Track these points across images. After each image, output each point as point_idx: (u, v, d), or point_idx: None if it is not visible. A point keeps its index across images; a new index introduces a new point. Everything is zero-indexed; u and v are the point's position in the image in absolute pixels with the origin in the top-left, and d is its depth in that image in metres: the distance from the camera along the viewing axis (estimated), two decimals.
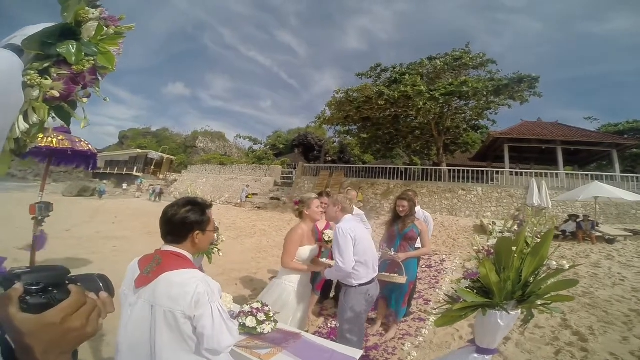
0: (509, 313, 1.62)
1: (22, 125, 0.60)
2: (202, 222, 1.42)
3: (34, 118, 0.62)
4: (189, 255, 1.39)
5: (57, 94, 0.62)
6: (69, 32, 0.65)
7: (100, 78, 0.77)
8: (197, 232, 1.41)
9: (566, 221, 10.50)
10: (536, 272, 1.60)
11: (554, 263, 1.56)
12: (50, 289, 0.49)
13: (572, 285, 1.63)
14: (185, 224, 1.38)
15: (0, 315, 0.45)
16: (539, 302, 1.63)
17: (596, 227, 9.96)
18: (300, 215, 2.77)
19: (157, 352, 1.26)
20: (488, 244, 1.63)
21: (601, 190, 10.48)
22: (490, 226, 1.75)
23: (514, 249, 1.50)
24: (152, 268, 1.33)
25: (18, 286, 0.47)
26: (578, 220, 10.21)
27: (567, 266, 1.56)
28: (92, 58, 0.67)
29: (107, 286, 0.59)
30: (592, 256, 7.71)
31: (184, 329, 1.26)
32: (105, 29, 0.72)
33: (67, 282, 0.53)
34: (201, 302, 1.24)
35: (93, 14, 0.66)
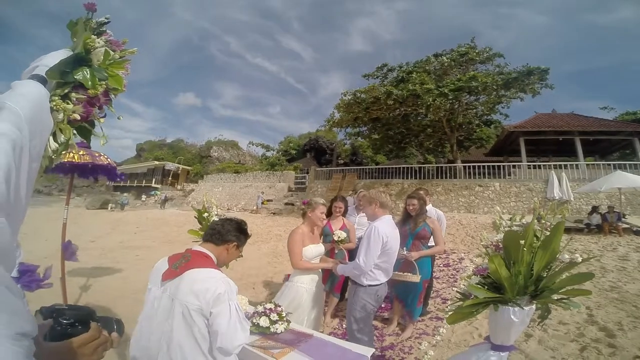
0: (522, 308, 1.59)
1: (53, 145, 0.72)
2: (242, 240, 1.72)
3: (62, 138, 0.74)
4: (214, 258, 1.56)
5: (78, 117, 0.74)
6: (82, 60, 0.75)
7: (113, 97, 0.86)
8: (234, 243, 1.66)
9: (590, 213, 10.16)
10: (549, 266, 1.57)
11: (567, 256, 1.53)
12: (76, 324, 0.67)
13: (588, 278, 1.59)
14: (232, 234, 1.66)
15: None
16: (554, 297, 1.61)
17: (623, 219, 9.61)
18: (303, 215, 2.85)
19: (172, 347, 1.33)
20: (496, 238, 1.62)
21: (625, 180, 10.08)
22: (498, 221, 1.73)
23: (522, 242, 1.48)
24: (180, 264, 1.45)
25: (49, 321, 0.65)
26: (603, 212, 9.87)
27: (579, 259, 1.53)
28: (104, 82, 0.77)
29: (119, 328, 0.78)
30: (619, 249, 7.42)
31: (197, 326, 1.32)
32: (112, 53, 0.81)
33: (91, 320, 0.70)
34: (220, 299, 1.33)
35: (99, 43, 0.76)
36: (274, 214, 17.82)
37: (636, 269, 5.74)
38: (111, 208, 23.73)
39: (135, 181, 35.99)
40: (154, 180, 34.26)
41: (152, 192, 30.19)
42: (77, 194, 33.43)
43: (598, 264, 6.14)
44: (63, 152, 0.75)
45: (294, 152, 36.53)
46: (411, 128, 19.17)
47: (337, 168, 22.02)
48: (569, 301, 1.61)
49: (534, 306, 1.64)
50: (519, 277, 1.52)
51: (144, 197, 29.68)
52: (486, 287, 1.59)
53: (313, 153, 33.73)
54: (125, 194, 29.99)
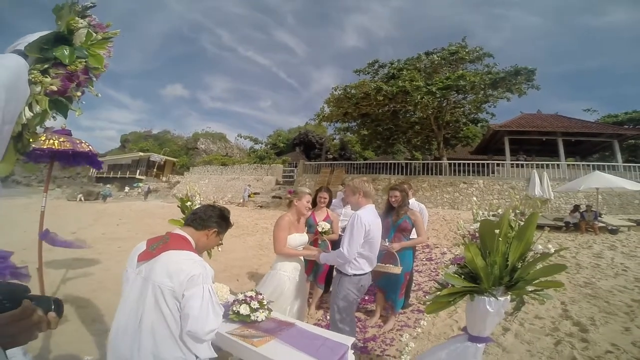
0: (497, 299, 1.64)
1: (28, 114, 0.75)
2: (223, 227, 1.72)
3: (37, 108, 0.77)
4: (193, 243, 1.54)
5: (55, 88, 0.77)
6: (62, 38, 0.77)
7: (94, 78, 0.89)
8: (215, 230, 1.65)
9: (572, 212, 10.43)
10: (523, 257, 1.62)
11: (540, 247, 1.58)
12: (4, 301, 0.61)
13: (560, 270, 1.64)
14: (213, 220, 1.66)
15: None
16: (528, 289, 1.65)
17: (599, 218, 9.89)
18: (289, 204, 2.88)
19: (142, 330, 1.30)
20: (473, 227, 1.66)
21: (602, 180, 10.42)
22: (475, 211, 1.78)
23: (497, 231, 1.52)
24: (158, 245, 1.42)
25: None
26: (581, 210, 10.17)
27: (552, 250, 1.58)
28: (84, 60, 0.79)
29: (58, 309, 0.71)
30: (594, 247, 7.60)
31: (169, 308, 1.30)
32: (95, 34, 0.83)
33: (24, 298, 0.63)
34: (194, 281, 1.30)
35: (82, 23, 0.79)
36: (261, 207, 17.73)
37: (609, 266, 5.88)
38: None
39: (119, 172, 35.19)
40: (138, 171, 33.55)
41: (135, 184, 29.56)
42: (58, 185, 32.46)
43: (574, 260, 6.34)
44: (38, 134, 0.77)
45: (282, 145, 36.34)
46: (399, 125, 19.32)
47: (326, 162, 22.03)
48: (542, 293, 1.66)
49: (508, 297, 1.68)
50: (495, 267, 1.55)
51: (127, 188, 29.12)
52: (463, 276, 1.63)
53: (302, 147, 33.61)
54: (107, 186, 29.29)
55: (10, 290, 0.64)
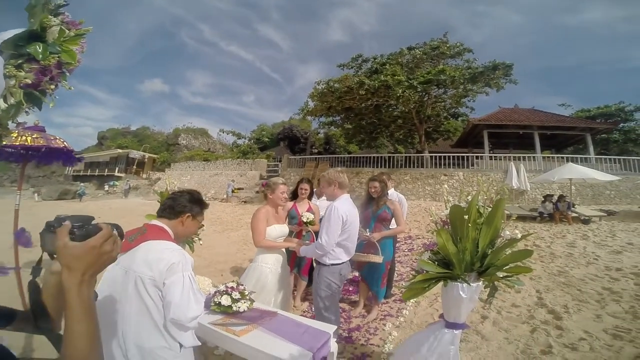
0: (470, 285, 1.71)
1: (3, 105, 0.79)
2: (195, 209, 1.66)
3: (12, 100, 0.81)
4: (171, 232, 1.54)
5: (29, 81, 0.81)
6: (36, 36, 0.82)
7: (67, 73, 0.92)
8: (188, 214, 1.60)
9: (543, 202, 10.77)
10: (493, 243, 1.70)
11: (508, 232, 1.67)
12: (87, 225, 0.70)
13: (528, 255, 1.72)
14: (183, 205, 1.61)
15: (57, 245, 0.65)
16: (499, 275, 1.73)
17: (572, 208, 10.27)
18: (265, 197, 2.89)
19: (125, 321, 1.31)
20: (444, 213, 1.73)
21: (575, 171, 10.84)
22: (446, 198, 1.85)
23: (466, 217, 1.59)
24: (136, 237, 1.43)
25: (67, 223, 0.68)
26: (554, 200, 10.54)
27: (519, 235, 1.67)
28: (57, 55, 0.83)
29: (120, 232, 0.80)
30: (568, 236, 7.80)
31: (151, 298, 1.30)
32: (67, 31, 0.88)
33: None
34: (174, 269, 1.31)
35: (54, 21, 0.84)
36: (244, 202, 17.61)
37: (582, 255, 6.04)
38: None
39: (97, 170, 34.13)
40: (117, 169, 32.61)
41: (111, 183, 28.55)
42: (32, 184, 31.15)
43: (548, 250, 6.53)
44: (11, 125, 0.82)
45: (266, 140, 36.10)
46: (382, 119, 19.52)
47: (311, 157, 22.04)
48: (514, 280, 1.75)
49: (481, 283, 1.77)
50: (466, 252, 1.63)
51: (106, 186, 28.29)
52: (437, 262, 1.70)
53: (287, 142, 33.49)
54: (82, 184, 28.27)
55: (85, 218, 0.72)
